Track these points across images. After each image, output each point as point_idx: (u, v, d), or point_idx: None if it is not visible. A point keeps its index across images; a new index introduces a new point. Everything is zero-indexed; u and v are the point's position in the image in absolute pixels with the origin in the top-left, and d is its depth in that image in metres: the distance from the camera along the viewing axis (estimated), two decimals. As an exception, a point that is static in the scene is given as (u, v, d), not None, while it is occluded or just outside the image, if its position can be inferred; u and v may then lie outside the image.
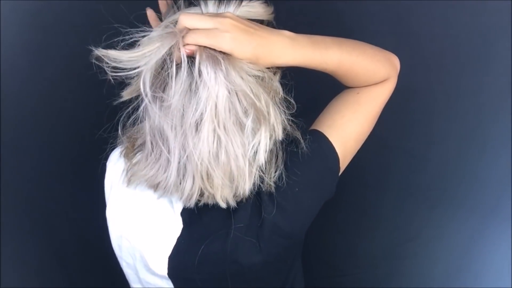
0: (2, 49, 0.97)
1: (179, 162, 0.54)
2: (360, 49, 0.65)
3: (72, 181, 1.22)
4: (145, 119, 0.55)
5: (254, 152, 0.55)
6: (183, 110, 0.51)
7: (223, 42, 0.51)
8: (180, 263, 0.62)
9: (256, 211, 0.59)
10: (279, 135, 0.57)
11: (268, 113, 0.54)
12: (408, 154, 1.17)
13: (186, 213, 0.63)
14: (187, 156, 0.53)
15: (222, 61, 0.51)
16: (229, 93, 0.51)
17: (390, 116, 1.02)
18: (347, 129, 0.67)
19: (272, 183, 0.59)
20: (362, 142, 0.71)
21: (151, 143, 0.56)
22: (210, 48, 0.51)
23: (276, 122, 0.56)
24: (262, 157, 0.55)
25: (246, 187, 0.56)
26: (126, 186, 0.64)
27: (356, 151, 0.70)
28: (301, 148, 0.60)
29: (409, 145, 1.16)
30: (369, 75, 0.67)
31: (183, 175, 0.55)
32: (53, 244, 1.29)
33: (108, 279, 1.21)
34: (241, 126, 0.53)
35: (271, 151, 0.58)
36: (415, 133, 1.14)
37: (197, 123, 0.51)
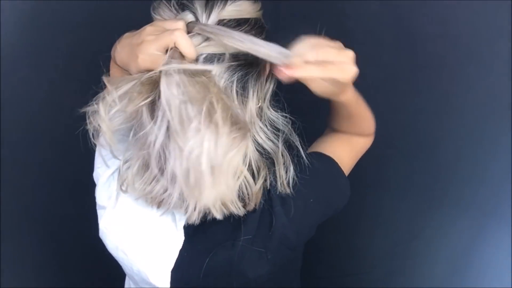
0: (2, 49, 0.97)
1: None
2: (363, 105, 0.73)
3: (72, 181, 1.22)
4: (146, 135, 0.51)
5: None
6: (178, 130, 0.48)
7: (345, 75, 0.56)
8: (184, 277, 0.61)
9: (266, 222, 0.59)
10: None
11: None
12: (408, 154, 1.17)
13: (190, 227, 0.61)
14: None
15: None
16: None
17: (390, 116, 1.02)
18: (344, 160, 0.70)
19: (287, 189, 0.59)
20: None
21: (155, 160, 0.51)
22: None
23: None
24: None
25: (230, 196, 0.54)
26: (123, 199, 0.63)
27: None
28: (315, 164, 0.63)
29: (409, 145, 1.16)
30: (367, 124, 0.76)
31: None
32: (53, 244, 1.29)
33: (108, 279, 1.21)
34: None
35: (276, 153, 0.60)
36: (415, 133, 1.14)
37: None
